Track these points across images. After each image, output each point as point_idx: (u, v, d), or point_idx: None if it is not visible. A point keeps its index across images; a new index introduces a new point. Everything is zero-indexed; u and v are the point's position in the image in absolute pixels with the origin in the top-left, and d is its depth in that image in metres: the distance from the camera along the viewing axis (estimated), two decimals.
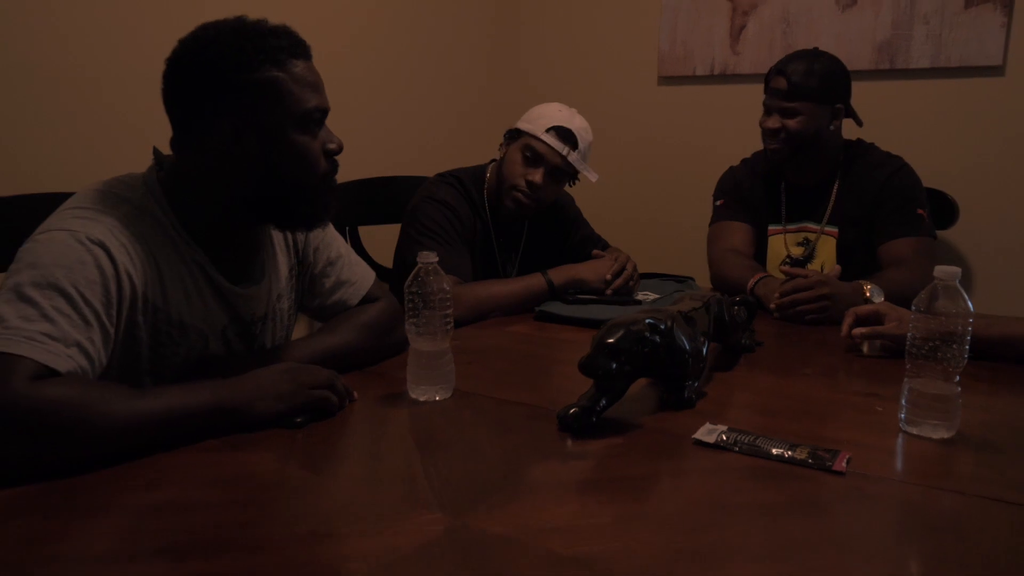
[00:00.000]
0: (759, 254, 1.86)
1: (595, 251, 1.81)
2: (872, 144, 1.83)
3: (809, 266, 1.80)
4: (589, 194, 2.04)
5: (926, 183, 1.80)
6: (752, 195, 1.87)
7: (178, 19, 1.09)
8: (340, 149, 1.04)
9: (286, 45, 0.97)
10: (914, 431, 0.94)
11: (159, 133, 1.09)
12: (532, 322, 1.55)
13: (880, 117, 1.97)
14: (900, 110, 2.19)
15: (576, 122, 1.71)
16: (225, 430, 0.90)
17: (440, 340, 1.03)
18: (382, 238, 2.03)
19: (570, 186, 1.82)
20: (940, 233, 1.89)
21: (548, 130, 1.68)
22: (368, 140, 2.17)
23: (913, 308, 0.93)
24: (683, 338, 1.00)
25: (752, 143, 1.92)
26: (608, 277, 1.66)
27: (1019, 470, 0.86)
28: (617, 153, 2.61)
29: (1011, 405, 1.09)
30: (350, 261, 1.25)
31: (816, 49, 1.76)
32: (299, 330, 1.28)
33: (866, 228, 1.75)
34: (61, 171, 1.60)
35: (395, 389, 1.09)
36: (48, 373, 0.81)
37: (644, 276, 1.86)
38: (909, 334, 0.93)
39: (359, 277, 1.25)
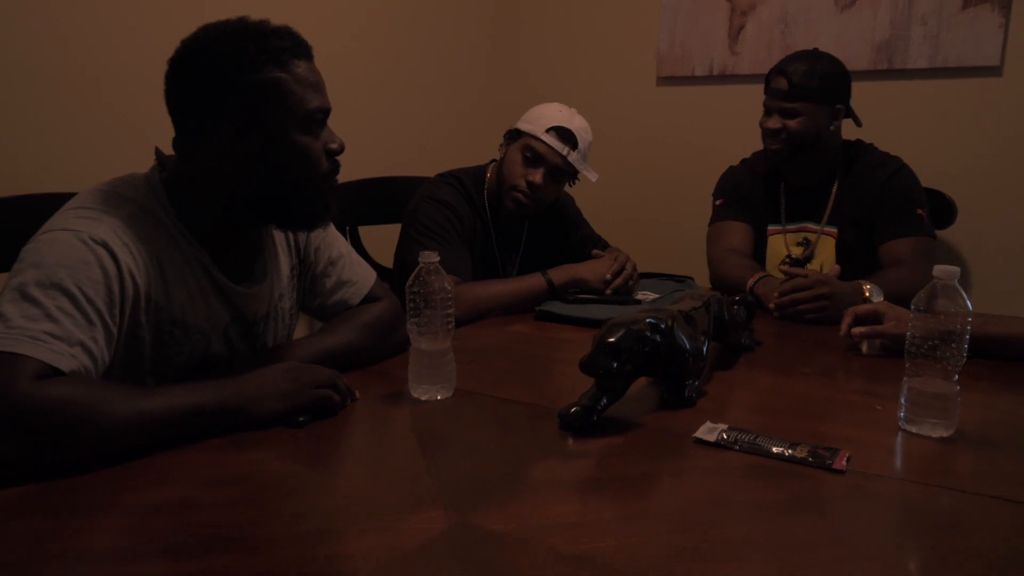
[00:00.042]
0: (758, 254, 1.86)
1: (595, 251, 1.82)
2: (871, 144, 1.84)
3: (808, 266, 1.80)
4: (589, 194, 2.04)
5: (924, 183, 1.80)
6: (752, 195, 1.87)
7: (178, 19, 1.10)
8: (342, 149, 1.04)
9: (288, 46, 0.97)
10: (913, 429, 0.94)
11: (159, 133, 1.09)
12: (532, 322, 1.56)
13: (878, 117, 1.97)
14: (898, 110, 2.20)
15: (576, 122, 1.71)
16: (228, 429, 0.90)
17: (441, 339, 1.04)
18: (382, 238, 2.03)
19: (570, 186, 1.82)
20: (938, 233, 1.90)
21: (548, 130, 1.68)
22: (368, 140, 2.17)
23: (912, 307, 0.94)
24: (683, 337, 1.00)
25: (751, 143, 1.92)
26: (608, 277, 1.66)
27: (1018, 467, 0.86)
28: (616, 153, 2.61)
29: (1010, 403, 1.09)
30: (351, 261, 1.25)
31: (816, 50, 1.76)
32: (299, 330, 1.28)
33: (866, 228, 1.76)
34: (61, 171, 1.60)
35: (397, 388, 1.10)
36: (52, 372, 0.81)
37: (643, 276, 1.87)
38: (908, 333, 0.94)
39: (360, 277, 1.25)
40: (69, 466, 0.79)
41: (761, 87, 1.81)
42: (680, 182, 2.61)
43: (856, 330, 1.29)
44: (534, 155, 1.69)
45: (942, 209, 1.99)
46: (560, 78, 2.80)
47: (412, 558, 0.66)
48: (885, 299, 1.44)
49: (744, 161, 1.95)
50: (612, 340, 0.92)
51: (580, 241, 1.92)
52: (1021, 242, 2.11)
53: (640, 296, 1.71)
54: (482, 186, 1.80)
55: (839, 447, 0.87)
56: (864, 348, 1.31)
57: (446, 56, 2.63)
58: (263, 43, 0.95)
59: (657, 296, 1.72)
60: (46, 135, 1.59)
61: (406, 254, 1.70)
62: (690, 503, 0.77)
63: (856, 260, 1.73)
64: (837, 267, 1.60)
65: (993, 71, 2.08)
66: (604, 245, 1.94)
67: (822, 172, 1.80)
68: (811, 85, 1.68)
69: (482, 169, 1.83)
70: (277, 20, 1.01)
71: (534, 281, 1.65)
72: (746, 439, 0.90)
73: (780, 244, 1.85)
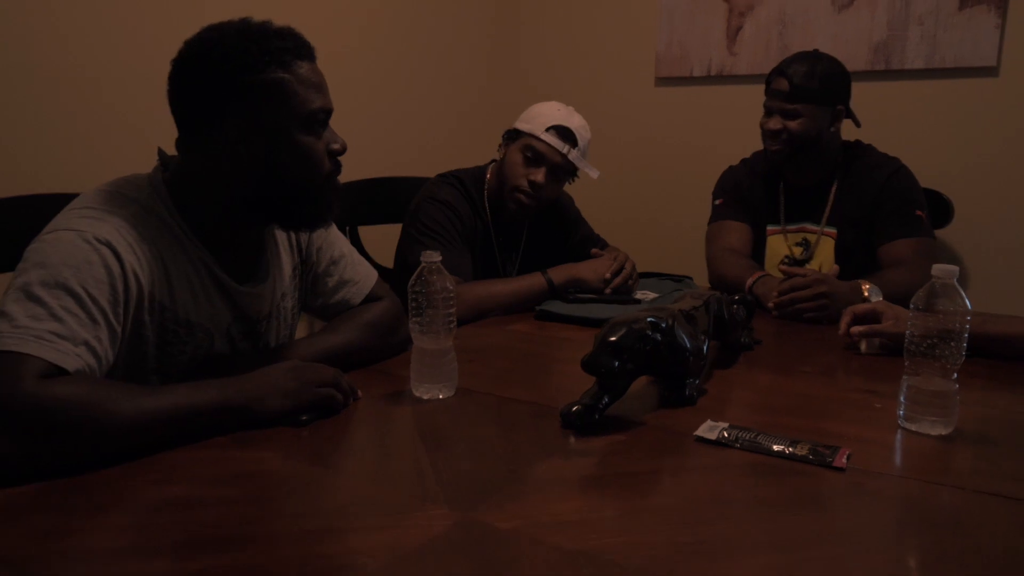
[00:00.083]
0: (757, 254, 1.87)
1: (594, 250, 1.82)
2: (870, 145, 1.84)
3: (807, 266, 1.81)
4: (588, 194, 2.05)
5: (921, 183, 1.81)
6: (751, 195, 1.88)
7: (179, 19, 1.10)
8: (344, 149, 1.05)
9: (291, 47, 0.97)
10: (913, 427, 0.95)
11: (159, 133, 1.10)
12: (532, 321, 1.56)
13: (875, 117, 1.98)
14: (895, 110, 2.21)
15: (575, 120, 1.72)
16: (232, 428, 0.91)
17: (443, 339, 1.04)
18: (382, 238, 2.03)
19: (569, 183, 1.83)
20: (935, 232, 1.91)
21: (548, 129, 1.68)
22: (368, 140, 2.17)
23: (912, 306, 0.94)
24: (684, 336, 1.01)
25: (749, 143, 1.93)
26: (607, 275, 1.67)
27: (1016, 465, 0.87)
28: (615, 153, 2.62)
29: (1008, 401, 1.10)
30: (353, 261, 1.26)
31: (817, 51, 1.77)
32: (299, 330, 1.28)
33: (865, 229, 1.77)
34: (61, 171, 1.61)
35: (399, 387, 1.10)
36: (57, 372, 0.81)
37: (642, 275, 1.87)
38: (908, 332, 0.95)
39: (362, 276, 1.26)
40: (75, 465, 0.79)
41: (759, 87, 1.82)
42: (679, 182, 2.61)
43: (855, 329, 1.30)
44: (535, 155, 1.70)
45: (939, 209, 2.00)
46: (559, 78, 2.80)
47: (416, 556, 0.66)
48: (885, 299, 1.44)
49: (744, 161, 1.95)
50: (614, 339, 0.92)
51: (580, 241, 1.93)
52: (1018, 242, 2.12)
53: (639, 295, 1.71)
54: (482, 186, 1.80)
55: (839, 445, 0.88)
56: (863, 347, 1.31)
57: (446, 56, 2.64)
58: (266, 44, 0.96)
59: (656, 296, 1.73)
60: (46, 135, 1.60)
61: (407, 254, 1.70)
62: (692, 500, 0.78)
63: (855, 261, 1.74)
64: (836, 267, 1.61)
65: (990, 71, 2.10)
66: (603, 245, 1.94)
67: (822, 173, 1.81)
68: (812, 86, 1.69)
69: (482, 169, 1.84)
70: (277, 21, 1.01)
71: (534, 281, 1.65)
72: (747, 437, 0.90)
73: (779, 244, 1.86)
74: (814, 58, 1.73)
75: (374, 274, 1.29)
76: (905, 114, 2.21)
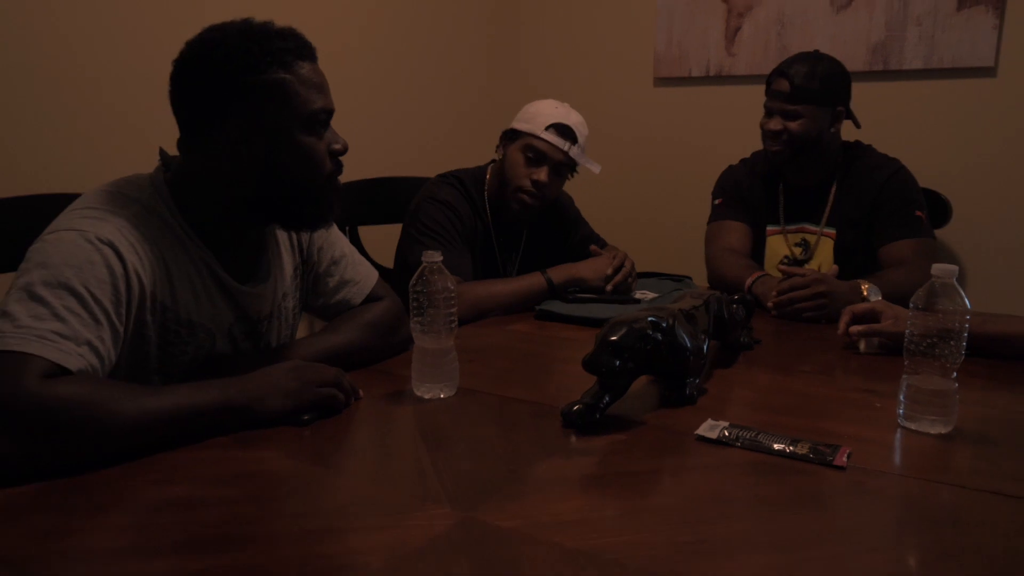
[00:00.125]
0: (757, 254, 1.87)
1: (593, 247, 1.82)
2: (870, 146, 1.85)
3: (807, 267, 1.81)
4: (587, 194, 2.05)
5: (919, 183, 1.81)
6: (751, 195, 1.88)
7: (179, 20, 1.11)
8: (345, 150, 1.05)
9: (292, 47, 0.98)
10: (912, 426, 0.95)
11: (159, 133, 1.10)
12: (532, 321, 1.57)
13: (874, 118, 1.99)
14: (893, 111, 2.21)
15: (572, 117, 1.72)
16: (234, 427, 0.91)
17: (445, 338, 1.04)
18: (382, 238, 2.03)
19: (569, 178, 1.83)
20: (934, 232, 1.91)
21: (547, 128, 1.69)
22: (368, 140, 2.17)
23: (911, 305, 0.95)
24: (684, 336, 1.01)
25: (747, 143, 1.93)
26: (609, 271, 1.67)
27: (1015, 463, 0.87)
28: (614, 153, 2.62)
29: (1007, 401, 1.10)
30: (353, 260, 1.26)
31: (818, 51, 1.77)
32: (300, 330, 1.28)
33: (864, 230, 1.77)
34: (61, 171, 1.61)
35: (400, 387, 1.10)
36: (59, 371, 0.81)
37: (642, 275, 1.88)
38: (907, 331, 0.95)
39: (362, 276, 1.26)
40: (77, 464, 0.79)
41: (758, 88, 1.82)
42: (677, 182, 2.62)
43: (854, 328, 1.30)
44: (536, 154, 1.70)
45: (937, 209, 2.01)
46: (559, 78, 2.81)
47: (419, 555, 0.66)
48: (885, 299, 1.44)
49: (744, 161, 1.95)
50: (615, 338, 0.93)
51: (580, 241, 1.93)
52: (1015, 241, 2.12)
53: (639, 295, 1.72)
54: (483, 186, 1.81)
55: (839, 444, 0.88)
56: (861, 346, 1.32)
57: (446, 56, 2.64)
58: (268, 44, 0.96)
59: (656, 295, 1.73)
60: (46, 135, 1.60)
61: (407, 254, 1.70)
62: (693, 499, 0.78)
63: (854, 261, 1.74)
64: (835, 267, 1.61)
65: (987, 72, 2.10)
66: (603, 244, 1.95)
67: (822, 173, 1.81)
68: (813, 87, 1.69)
69: (482, 170, 1.84)
70: (277, 21, 1.01)
71: (533, 280, 1.66)
72: (747, 436, 0.90)
73: (779, 245, 1.86)
74: (815, 59, 1.73)
75: (375, 274, 1.29)
76: (903, 114, 2.21)
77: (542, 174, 1.70)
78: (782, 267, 1.63)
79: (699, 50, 2.52)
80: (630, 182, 2.70)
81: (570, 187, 1.87)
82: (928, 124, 2.20)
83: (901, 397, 0.97)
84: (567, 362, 1.26)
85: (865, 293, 1.50)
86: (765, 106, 1.78)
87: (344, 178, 1.10)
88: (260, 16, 1.00)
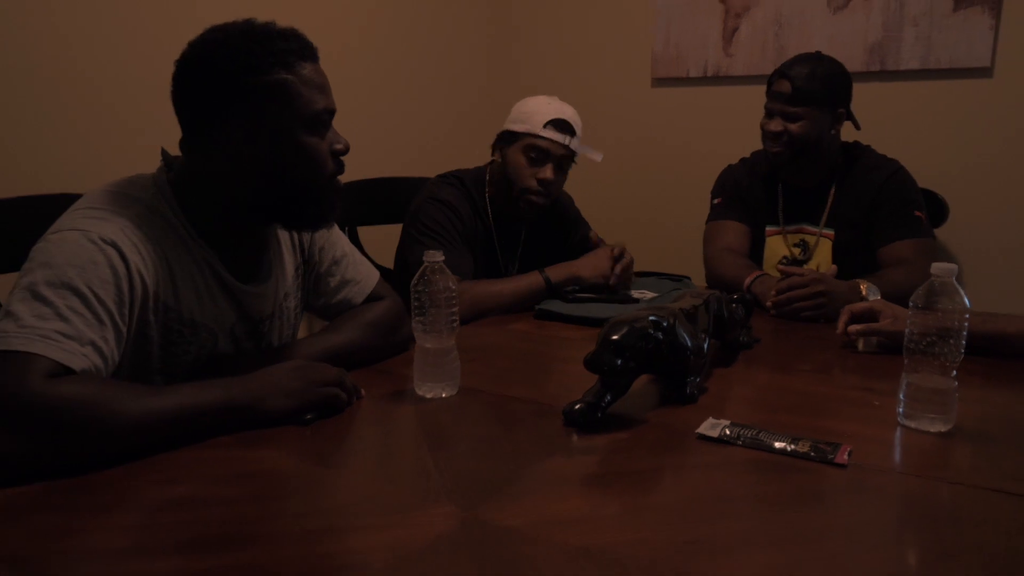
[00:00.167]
0: (756, 255, 1.87)
1: (592, 234, 1.82)
2: (869, 147, 1.85)
3: (805, 267, 1.81)
4: (586, 194, 2.06)
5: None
6: (750, 195, 1.88)
7: (180, 20, 1.11)
8: (347, 150, 1.05)
9: (295, 48, 0.98)
10: (912, 424, 0.96)
11: (159, 134, 1.10)
12: (532, 320, 1.57)
13: (871, 118, 1.99)
14: (890, 111, 2.22)
15: (567, 110, 1.72)
16: (236, 427, 0.91)
17: (446, 338, 1.05)
18: (382, 238, 2.04)
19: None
20: None
21: (546, 125, 1.69)
22: (368, 140, 2.17)
23: (911, 304, 0.95)
24: (685, 335, 1.01)
25: (746, 144, 1.94)
26: (608, 268, 1.67)
27: (1014, 461, 0.88)
28: (612, 153, 2.61)
29: (1006, 399, 1.11)
30: (355, 260, 1.26)
31: (819, 52, 1.77)
32: (300, 330, 1.29)
33: (863, 231, 1.77)
34: (61, 172, 1.61)
35: (402, 386, 1.11)
36: (63, 371, 0.81)
37: (641, 275, 1.88)
38: (907, 330, 0.95)
39: (363, 276, 1.26)
40: (77, 465, 0.79)
41: (755, 88, 1.83)
42: (675, 182, 2.63)
43: (852, 327, 1.30)
44: (539, 153, 1.70)
45: (934, 209, 2.01)
46: (557, 78, 2.81)
47: (422, 554, 0.66)
48: (884, 299, 1.45)
49: (743, 160, 1.95)
50: (616, 337, 0.93)
51: (580, 241, 1.93)
52: (1013, 241, 2.13)
53: (638, 295, 1.72)
54: (483, 187, 1.81)
55: (840, 442, 0.89)
56: (860, 345, 1.32)
57: (445, 56, 2.64)
58: (270, 45, 0.96)
59: (655, 295, 1.74)
60: (46, 135, 1.60)
61: (408, 254, 1.70)
62: (694, 498, 0.78)
63: (853, 262, 1.74)
64: (834, 267, 1.62)
65: (984, 72, 2.11)
66: (602, 244, 1.95)
67: (821, 174, 1.81)
68: (813, 88, 1.69)
69: (482, 170, 1.84)
70: (278, 21, 1.01)
71: (532, 280, 1.66)
72: (748, 434, 0.91)
73: (778, 245, 1.86)
74: (816, 60, 1.73)
75: (376, 274, 1.30)
76: (900, 115, 2.22)
77: (547, 172, 1.70)
78: (781, 267, 1.64)
79: (697, 50, 2.52)
80: (629, 182, 2.70)
81: (570, 187, 1.88)
82: (924, 124, 2.21)
83: (901, 395, 0.97)
84: (567, 361, 1.27)
85: (864, 292, 1.51)
86: (766, 107, 1.78)
87: (344, 178, 1.10)
88: (261, 17, 1.00)
